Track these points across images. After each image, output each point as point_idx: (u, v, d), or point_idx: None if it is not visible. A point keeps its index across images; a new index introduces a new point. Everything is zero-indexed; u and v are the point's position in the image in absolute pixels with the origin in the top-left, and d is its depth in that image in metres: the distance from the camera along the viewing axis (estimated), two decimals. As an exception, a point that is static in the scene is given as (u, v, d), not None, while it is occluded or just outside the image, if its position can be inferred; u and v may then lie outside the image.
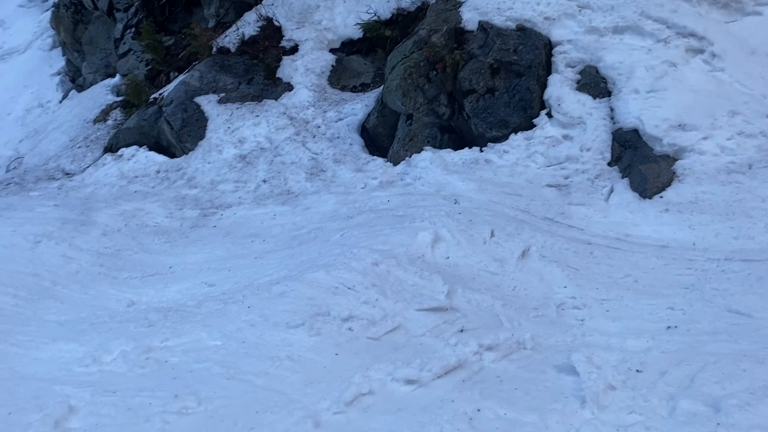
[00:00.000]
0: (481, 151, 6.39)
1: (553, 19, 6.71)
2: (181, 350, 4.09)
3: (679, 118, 5.87)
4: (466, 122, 6.62)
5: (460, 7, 6.99)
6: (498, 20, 6.73)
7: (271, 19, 8.45)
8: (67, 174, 7.99)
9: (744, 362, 3.52)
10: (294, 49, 8.25)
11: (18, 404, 3.64)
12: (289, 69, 8.04)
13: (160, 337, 4.24)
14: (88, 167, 7.96)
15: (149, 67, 9.13)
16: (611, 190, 5.72)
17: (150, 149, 7.80)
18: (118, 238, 5.99)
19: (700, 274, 4.65)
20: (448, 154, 6.43)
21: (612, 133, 6.08)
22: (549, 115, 6.34)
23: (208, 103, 7.82)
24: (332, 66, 8.13)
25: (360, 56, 8.21)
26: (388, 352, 3.91)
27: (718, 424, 3.09)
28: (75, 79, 10.57)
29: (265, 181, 6.80)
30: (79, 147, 8.52)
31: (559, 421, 3.22)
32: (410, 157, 6.55)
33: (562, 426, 3.20)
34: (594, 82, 6.37)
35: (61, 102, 10.22)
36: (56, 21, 10.72)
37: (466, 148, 6.48)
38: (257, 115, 7.57)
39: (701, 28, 6.34)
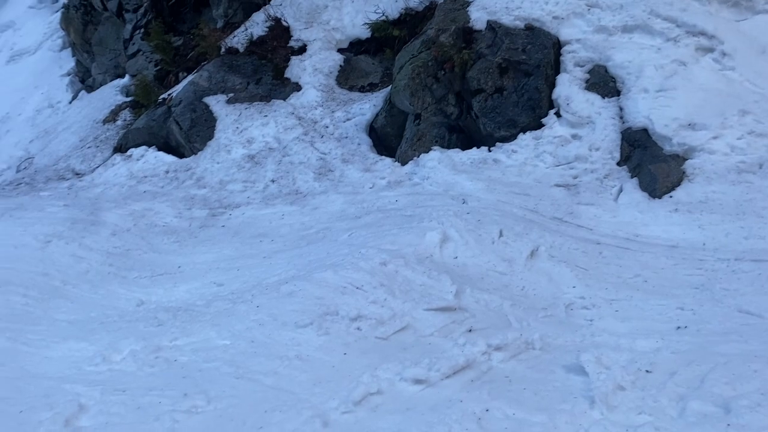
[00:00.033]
0: (490, 150, 6.38)
1: (562, 18, 6.69)
2: (190, 349, 4.10)
3: (689, 117, 5.84)
4: (475, 122, 6.60)
5: (468, 6, 6.97)
6: (506, 19, 6.71)
7: (280, 19, 8.46)
8: (77, 174, 8.03)
9: (755, 363, 3.50)
10: (302, 49, 8.26)
11: (29, 402, 3.67)
12: (297, 69, 8.05)
13: (169, 336, 4.25)
14: (97, 167, 7.99)
15: (158, 67, 9.17)
16: (620, 190, 5.69)
17: (159, 149, 7.83)
18: (128, 237, 6.01)
19: (710, 274, 4.62)
20: (457, 154, 6.42)
21: (621, 132, 6.05)
22: (558, 114, 6.32)
23: (216, 103, 7.83)
24: (340, 66, 8.13)
25: (368, 56, 8.21)
26: (396, 352, 3.91)
27: (729, 425, 3.07)
28: (85, 80, 10.62)
29: (273, 181, 6.81)
30: (88, 147, 8.56)
31: (568, 422, 3.21)
32: (418, 156, 6.54)
33: (571, 426, 3.18)
34: (603, 82, 6.35)
35: (70, 102, 10.27)
36: (66, 22, 10.77)
37: (475, 148, 6.47)
38: (266, 115, 7.58)
39: (711, 26, 6.31)
